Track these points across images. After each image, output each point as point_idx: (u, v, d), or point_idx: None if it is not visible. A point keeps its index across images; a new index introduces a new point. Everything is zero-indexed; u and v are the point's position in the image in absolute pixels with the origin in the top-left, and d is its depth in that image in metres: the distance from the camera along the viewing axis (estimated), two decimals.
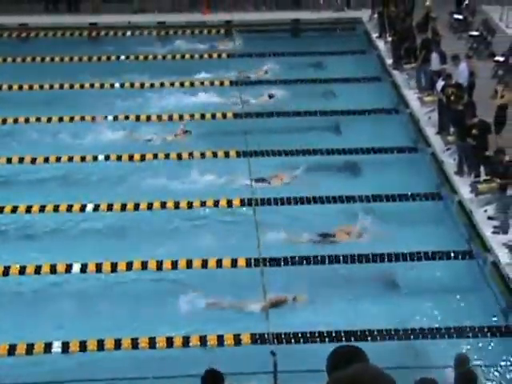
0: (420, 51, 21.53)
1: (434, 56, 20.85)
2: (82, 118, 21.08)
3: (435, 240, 15.81)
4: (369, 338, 13.32)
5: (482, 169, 16.68)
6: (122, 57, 25.11)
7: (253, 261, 14.93)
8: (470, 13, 26.37)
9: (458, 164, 17.41)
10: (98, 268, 15.14)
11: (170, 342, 13.38)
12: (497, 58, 22.85)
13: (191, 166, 18.53)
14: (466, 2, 26.75)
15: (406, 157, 18.99)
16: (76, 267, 15.16)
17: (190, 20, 27.73)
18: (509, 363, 12.96)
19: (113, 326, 13.81)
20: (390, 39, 24.19)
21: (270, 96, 22.21)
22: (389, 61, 23.57)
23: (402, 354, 13.18)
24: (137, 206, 16.98)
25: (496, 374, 12.73)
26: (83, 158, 18.92)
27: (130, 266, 15.17)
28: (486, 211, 15.93)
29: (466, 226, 16.01)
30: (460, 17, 26.36)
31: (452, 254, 15.26)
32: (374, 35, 25.74)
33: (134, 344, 13.35)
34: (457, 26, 26.13)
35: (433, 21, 23.37)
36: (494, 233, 15.22)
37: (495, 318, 13.83)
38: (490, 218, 15.61)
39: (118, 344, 13.36)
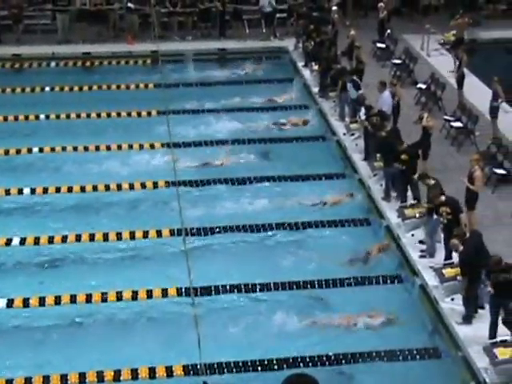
0: (336, 81, 22.00)
1: (349, 85, 21.33)
2: (6, 152, 20.78)
3: (361, 264, 16.04)
4: (301, 365, 13.41)
5: (408, 194, 17.12)
6: (47, 88, 24.92)
7: (183, 290, 14.96)
8: (393, 42, 27.07)
9: (384, 190, 17.76)
10: (26, 302, 14.93)
11: (100, 376, 13.23)
12: (419, 86, 23.50)
13: None
14: (389, 32, 27.47)
15: (333, 183, 19.27)
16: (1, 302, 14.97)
17: (115, 50, 27.78)
18: None
19: (40, 362, 13.60)
20: (315, 68, 24.62)
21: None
22: (315, 89, 23.98)
23: (334, 380, 13.30)
24: (65, 238, 16.81)
25: None
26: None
27: (58, 299, 14.98)
28: (413, 235, 16.28)
29: (394, 251, 16.32)
30: (383, 45, 27.07)
31: (380, 279, 15.51)
32: (300, 64, 26.16)
33: (63, 381, 13.16)
34: (380, 54, 26.82)
35: (357, 49, 23.91)
36: (421, 257, 15.55)
37: (424, 341, 14.07)
38: (421, 241, 15.90)
39: (46, 381, 13.16)
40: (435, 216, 15.26)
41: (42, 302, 14.93)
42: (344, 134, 21.00)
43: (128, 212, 18.09)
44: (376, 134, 18.28)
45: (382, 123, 18.37)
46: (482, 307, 14.08)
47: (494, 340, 13.14)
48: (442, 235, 15.25)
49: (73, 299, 14.96)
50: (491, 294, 13.11)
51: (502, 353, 12.79)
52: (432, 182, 15.56)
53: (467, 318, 13.84)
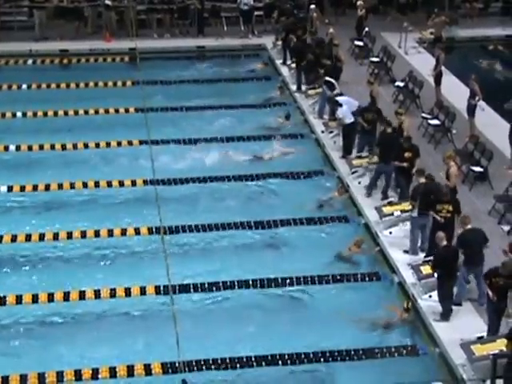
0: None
1: (324, 86, 21.41)
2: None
3: (343, 263, 16.05)
4: (279, 362, 13.43)
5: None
6: (24, 85, 24.75)
7: (162, 288, 14.94)
8: (371, 39, 27.13)
9: (368, 185, 17.78)
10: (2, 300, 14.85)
11: (78, 374, 13.16)
12: (397, 84, 23.57)
13: None
14: (366, 29, 27.53)
15: (312, 181, 19.30)
16: None
17: (93, 48, 27.61)
18: (417, 381, 13.25)
19: (17, 361, 13.55)
20: (293, 65, 24.61)
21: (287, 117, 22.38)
22: (293, 86, 24.00)
23: (313, 378, 13.34)
24: (42, 236, 16.67)
25: None
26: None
27: (35, 298, 14.90)
28: (390, 233, 16.35)
29: (371, 248, 16.37)
30: (361, 43, 27.10)
31: (359, 276, 15.55)
32: (279, 61, 26.15)
33: (41, 380, 13.09)
34: (358, 52, 26.86)
35: (336, 47, 23.88)
36: (404, 252, 15.65)
37: (402, 338, 14.11)
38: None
39: (24, 379, 13.08)
40: (415, 213, 15.40)
41: (18, 300, 14.83)
42: (322, 132, 21.04)
43: (107, 209, 18.03)
44: (373, 131, 18.41)
45: (386, 119, 18.39)
46: (460, 304, 14.17)
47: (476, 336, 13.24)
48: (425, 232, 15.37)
49: (50, 298, 14.87)
50: (494, 299, 13.11)
51: (478, 349, 12.88)
52: (422, 180, 15.66)
53: (444, 315, 13.92)
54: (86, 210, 17.94)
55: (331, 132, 20.79)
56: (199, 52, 27.89)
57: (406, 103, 22.48)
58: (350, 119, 19.29)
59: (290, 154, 20.35)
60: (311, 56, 23.30)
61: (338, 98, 19.98)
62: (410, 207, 15.66)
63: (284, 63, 25.76)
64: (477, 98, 20.27)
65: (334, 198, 18.02)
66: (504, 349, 12.46)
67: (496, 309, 13.22)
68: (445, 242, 13.95)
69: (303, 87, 23.55)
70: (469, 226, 14.29)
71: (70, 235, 16.78)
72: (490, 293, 13.15)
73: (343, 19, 29.49)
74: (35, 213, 17.88)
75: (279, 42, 26.83)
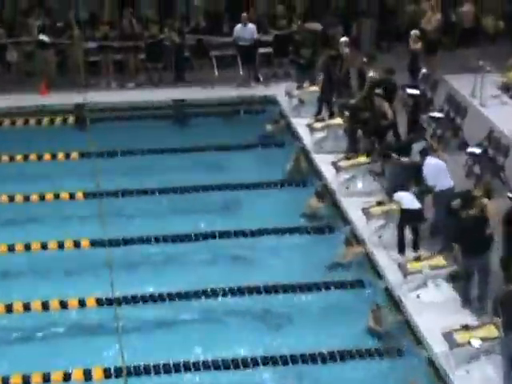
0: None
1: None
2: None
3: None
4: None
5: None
6: None
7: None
8: (430, 86, 35.72)
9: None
10: None
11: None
12: (471, 150, 31.15)
13: None
14: (424, 71, 36.75)
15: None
16: None
17: (22, 104, 35.85)
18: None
19: None
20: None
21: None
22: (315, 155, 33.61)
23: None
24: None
25: None
26: None
27: None
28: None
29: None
30: (416, 92, 34.11)
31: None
32: (294, 120, 35.74)
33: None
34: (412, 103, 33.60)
35: (379, 98, 32.40)
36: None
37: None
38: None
39: None
40: None
41: None
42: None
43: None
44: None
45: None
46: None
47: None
48: None
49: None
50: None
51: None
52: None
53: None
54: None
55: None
56: (177, 107, 36.40)
57: (486, 176, 28.33)
58: (411, 205, 27.51)
59: None
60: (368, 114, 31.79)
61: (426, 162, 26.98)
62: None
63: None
64: None
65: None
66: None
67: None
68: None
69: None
70: None
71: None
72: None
73: (388, 56, 37.33)
74: None
75: (298, 92, 35.27)
